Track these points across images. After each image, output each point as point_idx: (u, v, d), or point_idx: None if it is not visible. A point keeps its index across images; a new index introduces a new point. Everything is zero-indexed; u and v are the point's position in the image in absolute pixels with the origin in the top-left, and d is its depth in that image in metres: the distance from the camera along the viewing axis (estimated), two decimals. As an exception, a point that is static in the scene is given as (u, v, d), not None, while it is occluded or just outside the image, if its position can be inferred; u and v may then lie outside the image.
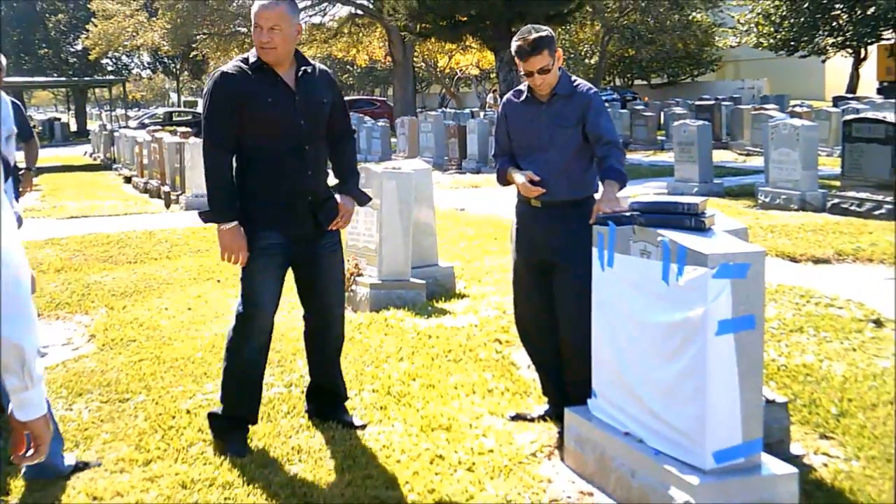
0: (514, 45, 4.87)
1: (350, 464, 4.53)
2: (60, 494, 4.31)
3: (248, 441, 4.84)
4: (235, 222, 4.67)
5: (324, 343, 5.11)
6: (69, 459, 4.58)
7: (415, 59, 45.00)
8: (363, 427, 5.04)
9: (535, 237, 4.98)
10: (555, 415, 4.99)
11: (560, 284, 4.89)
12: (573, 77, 5.04)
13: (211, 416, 4.97)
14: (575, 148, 4.90)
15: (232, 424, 4.88)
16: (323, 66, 5.06)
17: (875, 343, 6.27)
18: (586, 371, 4.47)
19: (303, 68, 4.81)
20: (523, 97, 5.05)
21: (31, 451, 2.41)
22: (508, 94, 5.19)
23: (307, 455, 4.68)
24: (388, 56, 42.53)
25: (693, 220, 3.90)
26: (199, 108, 56.70)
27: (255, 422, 4.99)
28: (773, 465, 3.76)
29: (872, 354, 6.02)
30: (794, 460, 4.31)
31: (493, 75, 46.88)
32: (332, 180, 5.02)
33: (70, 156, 37.88)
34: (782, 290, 7.72)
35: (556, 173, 4.86)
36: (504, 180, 5.12)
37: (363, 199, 5.19)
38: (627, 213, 4.16)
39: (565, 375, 4.99)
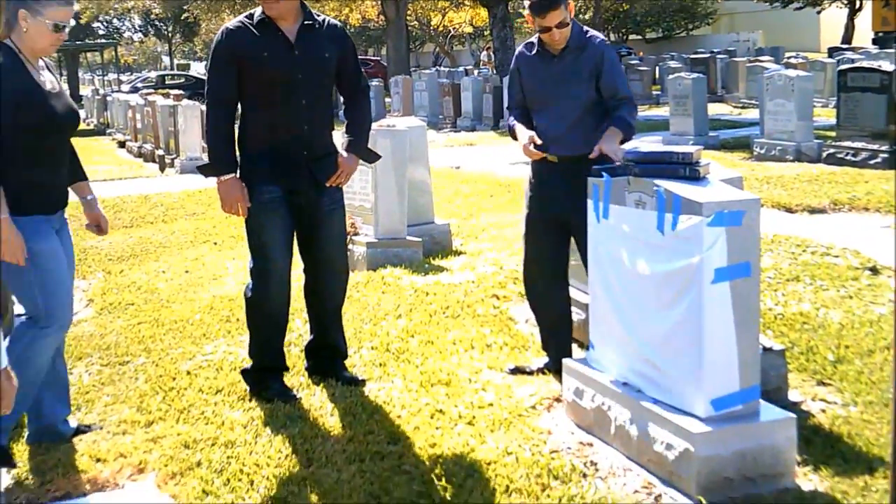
0: (527, 0, 4.82)
1: (351, 420, 4.56)
2: (63, 458, 4.33)
3: (246, 402, 4.87)
4: (233, 174, 4.72)
5: (323, 299, 5.12)
6: (72, 423, 4.60)
7: (408, 17, 44.66)
8: (363, 383, 5.06)
9: (551, 192, 4.95)
10: (553, 368, 5.02)
11: (577, 234, 4.85)
12: (585, 28, 4.99)
13: (244, 372, 5.05)
14: (588, 101, 4.86)
15: (266, 375, 4.99)
16: (335, 21, 5.02)
17: (871, 290, 6.28)
18: None
19: (306, 22, 4.79)
20: (535, 50, 4.99)
21: None
22: (521, 48, 5.14)
23: (309, 412, 4.70)
24: (380, 15, 42.19)
25: (687, 169, 3.90)
26: (192, 72, 56.47)
27: (287, 368, 5.13)
28: (770, 412, 3.78)
29: (869, 301, 6.04)
30: (792, 407, 4.34)
31: (486, 33, 46.60)
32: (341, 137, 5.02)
33: (63, 122, 37.64)
34: (778, 240, 7.73)
35: (569, 127, 4.83)
36: (513, 135, 5.09)
37: (371, 157, 5.20)
38: (622, 164, 4.16)
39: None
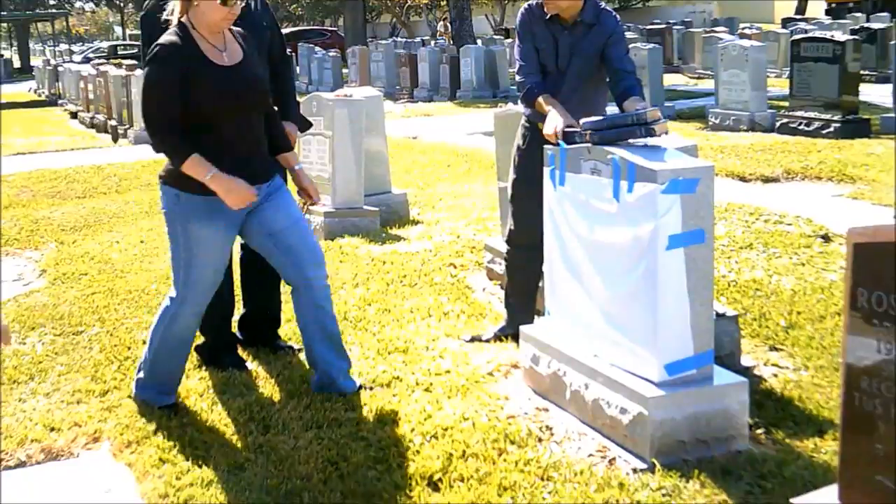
0: None
1: (307, 388, 4.56)
2: (16, 426, 4.30)
3: (202, 371, 4.85)
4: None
5: (268, 269, 5.08)
6: (356, 380, 4.59)
7: (364, -13, 44.36)
8: (300, 350, 5.07)
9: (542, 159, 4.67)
10: (509, 332, 5.05)
11: None
12: (601, 4, 4.89)
13: (197, 348, 5.02)
14: (590, 76, 4.83)
15: (220, 350, 4.99)
16: None
17: (823, 257, 6.37)
18: None
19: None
20: (549, 16, 4.83)
21: None
22: (530, 4, 4.92)
23: (265, 381, 4.70)
24: (336, -15, 41.89)
25: (643, 130, 3.91)
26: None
27: (241, 340, 5.15)
28: (723, 376, 3.83)
29: (820, 268, 6.12)
30: (745, 372, 4.40)
31: (443, 3, 46.38)
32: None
33: (14, 92, 37.11)
34: (732, 209, 7.80)
35: (567, 98, 4.72)
36: (533, 103, 4.81)
37: (305, 125, 5.20)
38: (579, 132, 4.16)
39: None
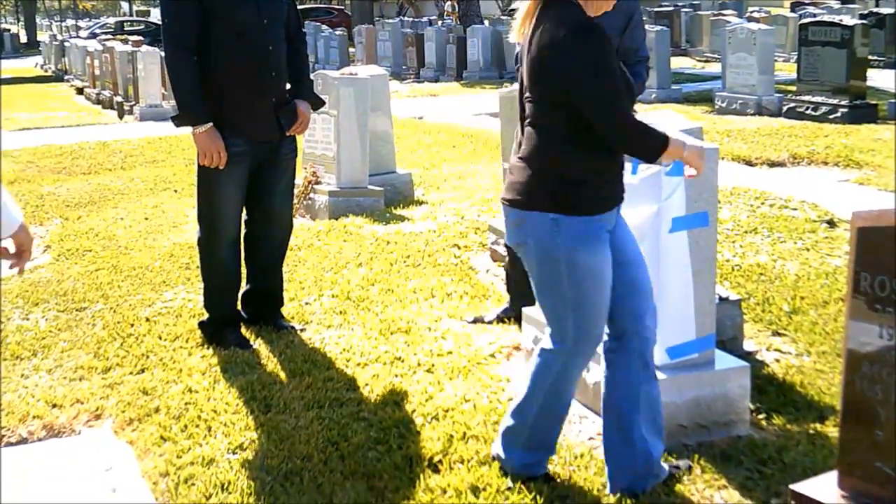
0: None
1: (310, 367, 4.56)
2: (19, 402, 4.31)
3: (204, 349, 4.86)
4: (210, 123, 4.61)
5: (270, 245, 5.10)
6: (665, 467, 3.49)
7: (371, -35, 44.16)
8: (303, 330, 5.08)
9: None
10: (512, 315, 5.05)
11: None
12: None
13: (201, 325, 5.03)
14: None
15: (223, 327, 4.97)
16: None
17: (828, 242, 6.36)
18: None
19: None
20: None
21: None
22: None
23: (267, 360, 4.70)
24: (344, -37, 41.75)
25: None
26: (152, 18, 55.59)
27: (244, 318, 5.12)
28: (725, 361, 3.83)
29: (825, 253, 6.11)
30: (747, 356, 4.39)
31: (450, -18, 46.15)
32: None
33: (21, 67, 37.06)
34: (737, 193, 7.77)
35: None
36: None
37: (318, 103, 5.15)
38: None
39: None
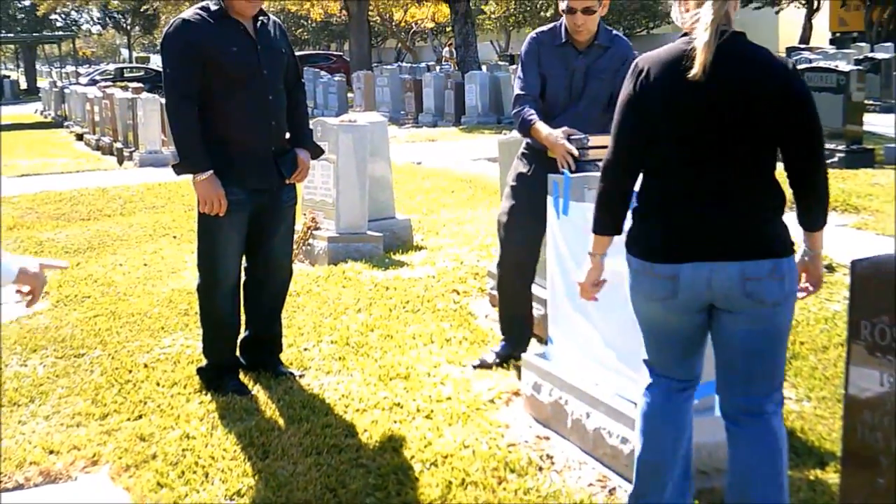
0: None
1: (308, 413, 4.55)
2: (15, 449, 4.29)
3: (203, 395, 4.84)
4: (211, 171, 4.62)
5: (270, 292, 5.10)
6: None
7: (370, 12, 44.54)
8: (301, 376, 5.07)
9: (545, 185, 4.52)
10: (509, 355, 5.10)
11: None
12: (610, 28, 4.92)
13: (199, 371, 5.02)
14: (604, 102, 4.77)
15: (221, 373, 4.96)
16: (273, 17, 5.01)
17: (827, 287, 6.34)
18: None
19: (260, 18, 4.77)
20: (561, 41, 4.81)
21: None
22: (539, 33, 4.91)
23: (265, 406, 4.68)
24: (343, 10, 42.05)
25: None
26: (152, 64, 55.97)
27: (243, 365, 5.10)
28: (725, 406, 3.81)
29: (824, 298, 6.10)
30: (747, 402, 4.37)
31: (448, 29, 46.56)
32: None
33: (20, 114, 37.24)
34: (736, 238, 7.77)
35: (586, 127, 4.62)
36: (528, 132, 4.76)
37: (317, 152, 5.18)
38: (587, 160, 4.19)
39: None
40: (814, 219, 3.22)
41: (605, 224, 3.16)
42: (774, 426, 3.14)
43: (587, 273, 3.27)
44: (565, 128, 4.58)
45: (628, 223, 3.13)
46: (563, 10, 4.77)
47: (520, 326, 5.21)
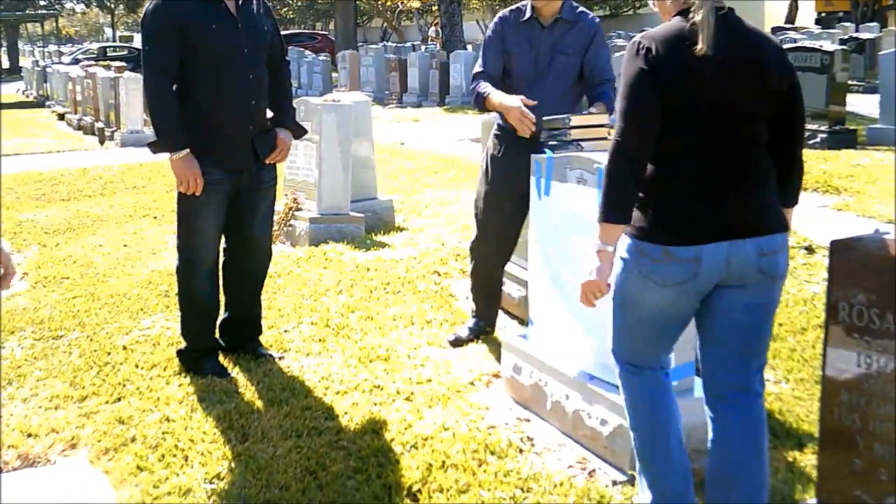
0: None
1: (288, 395, 4.53)
2: (-6, 432, 4.27)
3: (182, 378, 4.82)
4: (187, 150, 4.58)
5: (249, 273, 5.07)
6: None
7: (355, -9, 44.35)
8: (281, 358, 5.05)
9: (523, 166, 4.50)
10: (481, 329, 5.21)
11: None
12: (576, 4, 4.93)
13: (179, 353, 4.99)
14: (573, 77, 4.83)
15: (200, 355, 4.93)
16: None
17: (806, 269, 6.37)
18: None
19: None
20: (525, 17, 4.86)
21: None
22: (504, 12, 4.96)
23: (245, 388, 4.67)
24: (327, -11, 41.90)
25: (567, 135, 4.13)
26: (135, 43, 55.56)
27: (222, 347, 5.08)
28: (704, 388, 3.81)
29: (804, 280, 6.12)
30: (727, 383, 4.37)
31: (434, 8, 46.40)
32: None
33: (3, 94, 36.95)
34: (718, 219, 7.77)
35: (554, 101, 4.67)
36: (483, 105, 4.83)
37: (300, 132, 5.15)
38: (568, 140, 4.17)
39: None
40: (794, 193, 3.22)
41: (620, 209, 3.00)
42: (761, 405, 3.18)
43: (599, 270, 3.05)
44: (522, 97, 4.62)
45: (638, 211, 3.02)
46: None
47: (492, 305, 5.27)
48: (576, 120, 4.38)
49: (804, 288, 5.93)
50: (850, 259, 2.66)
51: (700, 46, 2.89)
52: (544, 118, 4.40)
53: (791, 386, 4.50)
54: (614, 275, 3.09)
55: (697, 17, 2.92)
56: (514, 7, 4.97)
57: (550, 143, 4.31)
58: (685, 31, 2.94)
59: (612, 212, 2.99)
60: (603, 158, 3.75)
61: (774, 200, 3.06)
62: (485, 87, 4.81)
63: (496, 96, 4.72)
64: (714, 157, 2.98)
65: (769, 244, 3.00)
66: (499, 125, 4.96)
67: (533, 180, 4.30)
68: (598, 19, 4.93)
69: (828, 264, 2.67)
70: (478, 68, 4.94)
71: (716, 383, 3.19)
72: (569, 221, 4.03)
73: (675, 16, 3.02)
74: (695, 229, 2.97)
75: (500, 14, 5.00)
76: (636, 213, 3.02)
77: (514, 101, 4.61)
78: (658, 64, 2.93)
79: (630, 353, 3.21)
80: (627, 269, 3.05)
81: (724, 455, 3.15)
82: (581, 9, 4.91)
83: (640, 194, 3.01)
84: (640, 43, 2.98)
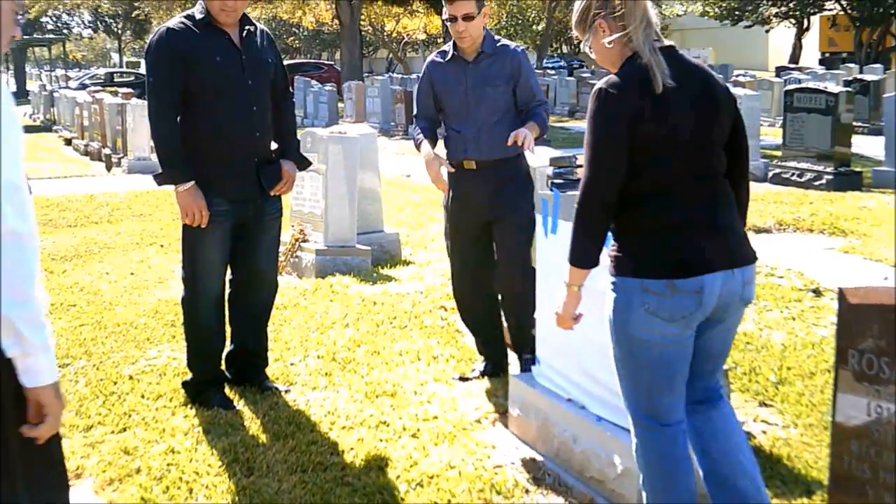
0: None
1: (294, 430, 4.53)
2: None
3: (188, 409, 4.81)
4: (192, 182, 4.60)
5: (255, 304, 5.08)
6: None
7: (362, 22, 44.58)
8: (287, 391, 5.05)
9: (473, 199, 5.03)
10: (492, 371, 5.18)
11: (503, 235, 5.02)
12: (496, 37, 5.12)
13: (184, 384, 4.99)
14: (503, 107, 5.00)
15: (206, 387, 4.92)
16: (261, 26, 5.00)
17: (814, 312, 6.37)
18: (529, 316, 4.62)
19: (247, 28, 4.76)
20: (449, 56, 5.06)
21: (39, 424, 2.30)
22: (432, 56, 5.17)
23: (250, 421, 4.66)
24: (335, 19, 42.07)
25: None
26: (142, 69, 55.82)
27: (228, 379, 5.07)
28: (712, 432, 3.80)
29: (811, 323, 6.11)
30: (734, 427, 4.36)
31: (440, 40, 46.63)
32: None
33: (9, 116, 37.03)
34: (724, 259, 7.77)
35: (486, 131, 4.95)
36: (417, 148, 5.14)
37: (304, 164, 5.17)
38: (575, 178, 4.20)
39: (508, 321, 5.17)
40: (744, 217, 3.29)
41: (590, 255, 3.09)
42: (728, 402, 3.36)
43: (565, 304, 3.19)
44: (444, 162, 5.03)
45: (631, 250, 3.06)
46: (444, 20, 4.99)
47: (492, 343, 5.27)
48: (581, 159, 4.41)
49: (812, 332, 5.92)
50: (860, 307, 2.66)
51: (658, 87, 2.96)
52: (551, 157, 4.50)
53: (800, 431, 4.48)
54: (614, 324, 3.12)
55: (644, 60, 2.98)
56: (439, 50, 5.18)
57: (556, 181, 4.33)
58: (642, 72, 2.99)
59: (582, 257, 3.11)
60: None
61: (742, 227, 3.17)
62: (419, 134, 5.13)
63: (423, 149, 5.06)
64: (696, 188, 3.05)
65: (750, 273, 3.10)
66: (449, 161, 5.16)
67: (539, 218, 4.31)
68: (520, 48, 5.14)
69: (837, 310, 2.67)
70: (416, 111, 5.25)
71: (694, 391, 3.26)
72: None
73: (623, 63, 3.06)
74: (696, 261, 3.00)
75: (428, 59, 5.20)
76: (628, 253, 3.06)
77: (433, 164, 4.97)
78: (626, 107, 2.97)
79: (647, 406, 3.18)
80: (630, 309, 3.05)
81: (719, 448, 3.23)
82: (501, 41, 5.11)
83: (632, 232, 3.06)
84: (604, 90, 3.01)
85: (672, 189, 3.03)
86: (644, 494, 3.26)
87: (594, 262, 3.10)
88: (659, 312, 3.00)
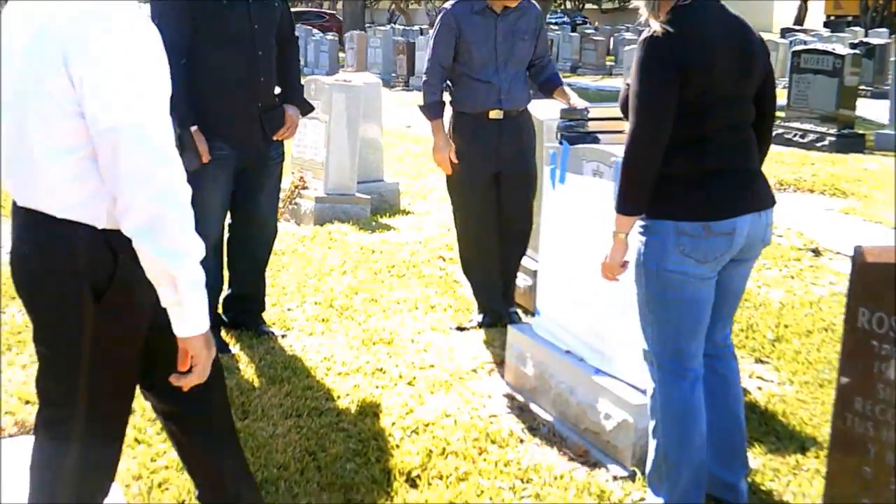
0: None
1: (290, 374, 4.51)
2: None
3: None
4: (195, 126, 4.54)
5: (253, 249, 5.04)
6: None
7: (365, -28, 44.23)
8: (283, 336, 5.03)
9: (493, 149, 5.03)
10: (490, 323, 5.18)
11: (515, 180, 5.06)
12: None
13: None
14: (527, 59, 5.10)
15: None
16: None
17: (812, 271, 6.35)
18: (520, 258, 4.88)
19: None
20: (479, 9, 4.98)
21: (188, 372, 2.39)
22: (449, 6, 5.06)
23: (246, 365, 4.65)
24: (337, -32, 41.73)
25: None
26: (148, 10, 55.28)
27: (224, 322, 5.06)
28: (710, 387, 3.79)
29: (810, 282, 6.10)
30: (731, 383, 4.36)
31: (443, -8, 46.23)
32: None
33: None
34: (724, 217, 7.75)
35: (518, 83, 5.03)
36: (432, 118, 5.06)
37: (307, 108, 5.11)
38: (585, 132, 4.17)
39: (509, 264, 5.22)
40: (763, 164, 3.42)
41: (639, 202, 3.09)
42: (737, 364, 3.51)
43: (612, 253, 3.19)
44: (452, 147, 5.03)
45: (666, 194, 3.08)
46: None
47: (495, 300, 5.26)
48: (594, 112, 4.38)
49: (810, 290, 5.91)
50: (874, 266, 2.62)
51: (708, 35, 3.03)
52: (562, 108, 4.45)
53: (795, 388, 4.47)
54: (646, 265, 3.16)
55: (694, 10, 3.02)
56: (457, 1, 5.05)
57: (567, 133, 4.30)
58: (690, 21, 3.01)
59: (629, 204, 3.11)
60: (620, 152, 3.72)
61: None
62: (433, 103, 5.08)
63: (435, 131, 5.08)
64: (731, 136, 3.16)
65: (771, 216, 3.29)
66: (456, 110, 5.14)
67: (547, 170, 4.27)
68: (535, 3, 5.19)
69: (850, 270, 2.63)
70: (432, 63, 5.07)
71: (707, 344, 3.32)
72: (583, 213, 3.99)
73: (670, 13, 3.03)
74: (729, 204, 3.11)
75: (444, 9, 5.10)
76: (663, 197, 3.09)
77: (443, 150, 5.03)
78: (676, 56, 3.00)
79: (674, 349, 3.22)
80: (665, 251, 3.10)
81: (724, 398, 3.39)
82: None
83: (668, 178, 3.08)
84: (657, 37, 3.01)
85: (711, 137, 3.11)
86: (654, 443, 3.28)
87: (643, 209, 3.12)
88: (693, 254, 3.09)
